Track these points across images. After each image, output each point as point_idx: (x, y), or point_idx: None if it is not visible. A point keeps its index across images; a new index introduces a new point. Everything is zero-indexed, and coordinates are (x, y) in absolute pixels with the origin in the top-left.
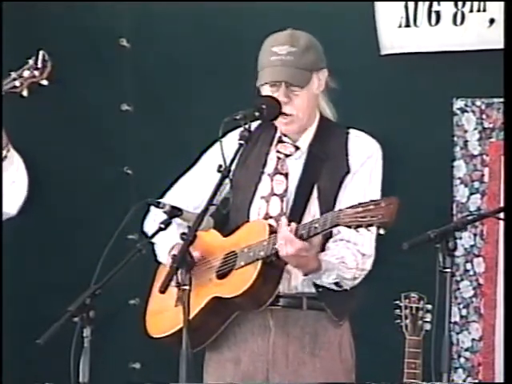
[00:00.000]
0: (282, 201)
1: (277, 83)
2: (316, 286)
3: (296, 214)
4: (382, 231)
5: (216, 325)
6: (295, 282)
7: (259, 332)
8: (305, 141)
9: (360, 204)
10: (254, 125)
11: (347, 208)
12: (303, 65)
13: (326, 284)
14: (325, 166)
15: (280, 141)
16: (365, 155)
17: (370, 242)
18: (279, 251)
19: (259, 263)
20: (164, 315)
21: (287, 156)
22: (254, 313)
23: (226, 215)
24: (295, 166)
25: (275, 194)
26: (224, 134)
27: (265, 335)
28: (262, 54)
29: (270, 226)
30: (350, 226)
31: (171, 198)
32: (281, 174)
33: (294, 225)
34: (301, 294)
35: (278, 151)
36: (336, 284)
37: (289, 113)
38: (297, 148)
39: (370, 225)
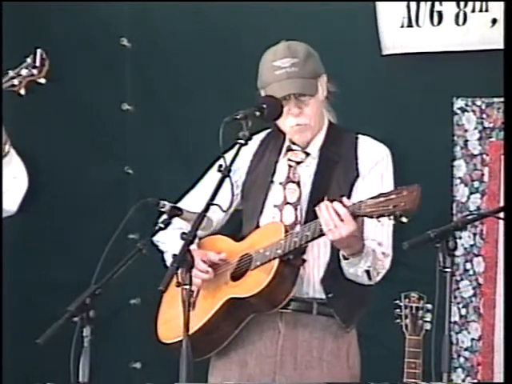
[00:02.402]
0: (295, 209)
1: (287, 97)
2: (326, 291)
3: (310, 221)
4: (404, 219)
5: (229, 329)
6: (307, 286)
7: (268, 334)
8: (315, 146)
9: (381, 194)
10: (263, 135)
11: (368, 199)
12: (308, 74)
13: (359, 272)
14: (335, 171)
15: (289, 149)
16: (374, 159)
17: (388, 242)
18: (329, 235)
19: (276, 262)
20: (175, 321)
21: (298, 163)
22: (263, 316)
23: (239, 226)
24: (306, 173)
25: (288, 203)
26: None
27: (273, 338)
28: (263, 70)
29: (286, 227)
30: (371, 216)
31: (185, 205)
32: (293, 182)
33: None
34: (311, 299)
35: (289, 159)
36: (367, 273)
37: (302, 123)
38: (307, 154)
39: (393, 213)
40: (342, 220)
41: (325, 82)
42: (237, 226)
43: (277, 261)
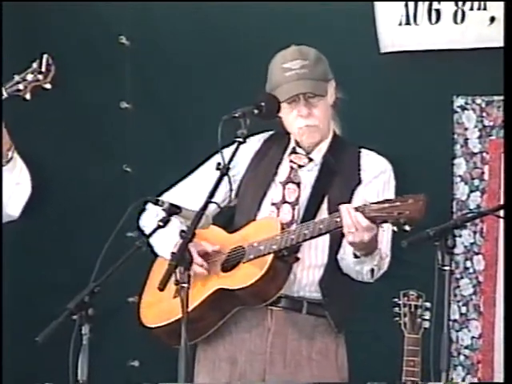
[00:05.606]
0: (293, 208)
1: (296, 98)
2: (323, 294)
3: (308, 221)
4: (407, 227)
5: (215, 319)
6: (298, 285)
7: (257, 331)
8: (319, 153)
9: (386, 200)
10: (267, 135)
11: (372, 203)
12: (318, 76)
13: (364, 270)
14: (337, 178)
15: (293, 151)
16: (377, 170)
17: (388, 243)
18: (350, 237)
19: (270, 257)
20: (160, 306)
21: (300, 167)
22: (252, 312)
23: (231, 220)
24: (307, 177)
25: (287, 202)
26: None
27: (263, 335)
28: (273, 72)
29: (282, 223)
30: (374, 221)
31: (174, 197)
32: (293, 182)
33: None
34: (302, 298)
35: (291, 161)
36: (372, 271)
37: (312, 124)
38: (310, 159)
39: (397, 220)
40: (364, 229)
41: (333, 88)
42: (227, 220)
43: (271, 256)
